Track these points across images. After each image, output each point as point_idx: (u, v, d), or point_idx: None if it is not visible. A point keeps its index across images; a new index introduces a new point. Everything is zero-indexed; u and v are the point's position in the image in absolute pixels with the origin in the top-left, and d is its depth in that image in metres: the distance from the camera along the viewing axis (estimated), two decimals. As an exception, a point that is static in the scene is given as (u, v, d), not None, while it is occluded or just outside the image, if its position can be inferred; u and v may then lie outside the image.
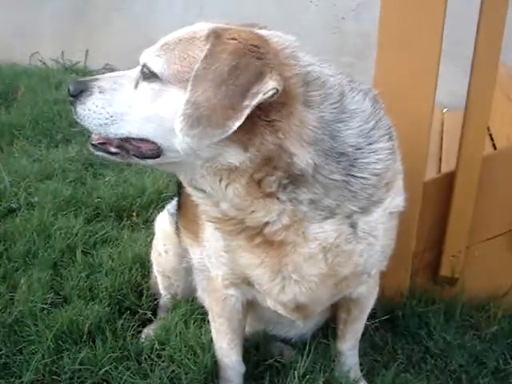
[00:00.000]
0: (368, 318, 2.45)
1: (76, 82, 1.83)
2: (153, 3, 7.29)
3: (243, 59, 1.57)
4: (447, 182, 2.84)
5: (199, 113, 1.57)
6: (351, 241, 1.87)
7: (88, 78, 1.84)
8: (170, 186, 3.86)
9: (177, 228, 2.63)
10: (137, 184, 3.89)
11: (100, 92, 1.77)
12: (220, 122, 1.55)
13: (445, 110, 5.43)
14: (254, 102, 1.55)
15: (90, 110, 1.76)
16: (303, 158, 1.69)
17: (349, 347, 2.41)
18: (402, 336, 2.72)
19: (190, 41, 1.70)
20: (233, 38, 1.61)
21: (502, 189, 2.87)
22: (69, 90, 1.82)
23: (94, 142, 1.83)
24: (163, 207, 2.95)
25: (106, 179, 3.99)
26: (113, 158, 1.83)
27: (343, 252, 1.88)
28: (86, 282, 2.84)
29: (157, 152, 1.74)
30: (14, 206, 3.62)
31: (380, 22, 2.58)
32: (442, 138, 4.63)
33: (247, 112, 1.55)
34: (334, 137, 1.74)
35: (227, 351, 2.29)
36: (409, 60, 2.56)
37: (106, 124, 1.75)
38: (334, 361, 2.40)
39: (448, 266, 2.88)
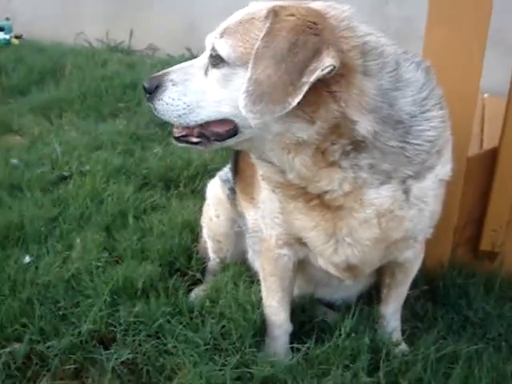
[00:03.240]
0: (409, 288, 2.52)
1: (149, 79, 1.92)
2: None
3: (301, 36, 1.64)
4: (490, 158, 2.89)
5: (261, 89, 1.65)
6: (403, 207, 1.96)
7: (159, 73, 1.93)
8: (215, 159, 3.96)
9: (229, 194, 2.73)
10: (183, 156, 3.99)
11: (173, 85, 1.87)
12: (280, 98, 1.64)
13: (486, 95, 5.44)
14: (312, 78, 1.63)
15: (167, 103, 1.86)
16: (364, 124, 1.78)
17: (391, 311, 2.49)
18: (442, 306, 2.79)
19: (250, 22, 1.78)
20: (291, 15, 1.69)
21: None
22: (144, 87, 1.92)
23: (176, 135, 1.94)
24: (210, 178, 3.05)
25: (154, 151, 4.10)
26: (196, 147, 1.94)
27: (396, 217, 1.97)
28: (137, 244, 2.95)
29: (234, 131, 1.84)
30: (66, 173, 3.75)
31: (429, 3, 2.63)
32: (483, 121, 4.64)
33: (306, 88, 1.63)
34: (392, 104, 1.83)
35: (276, 309, 2.38)
36: (457, 37, 2.60)
37: (184, 114, 1.85)
38: (377, 323, 2.48)
39: (489, 240, 2.93)
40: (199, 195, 3.40)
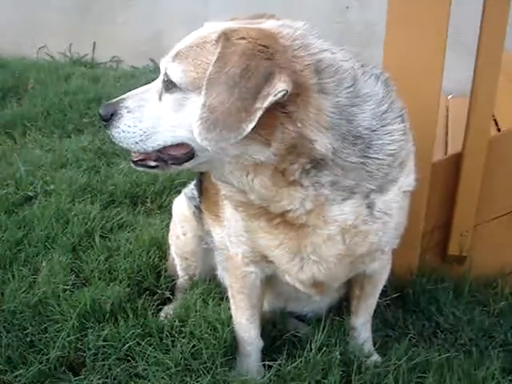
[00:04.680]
0: (379, 296, 2.53)
1: (104, 106, 1.92)
2: (159, -6, 7.36)
3: (252, 61, 1.63)
4: (454, 163, 2.91)
5: (215, 116, 1.64)
6: (368, 221, 1.96)
7: (115, 100, 1.92)
8: (181, 174, 3.94)
9: (195, 211, 2.72)
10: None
11: (128, 112, 1.87)
12: (234, 124, 1.62)
13: (450, 97, 5.49)
14: (265, 104, 1.61)
15: (123, 131, 1.86)
16: (323, 143, 1.77)
17: (362, 322, 2.49)
18: (412, 312, 2.80)
19: (201, 46, 1.77)
20: (242, 38, 1.67)
21: (508, 169, 2.94)
22: (100, 115, 1.91)
23: (134, 159, 1.94)
24: (177, 193, 3.03)
25: (120, 167, 4.06)
26: (154, 170, 1.95)
27: (360, 232, 1.97)
28: (105, 264, 2.92)
29: (191, 154, 1.83)
30: (30, 194, 3.69)
31: (388, 5, 2.64)
32: (447, 123, 4.68)
33: (259, 114, 1.61)
34: (350, 121, 1.82)
35: (246, 326, 2.37)
36: (417, 41, 2.62)
37: (141, 140, 1.84)
38: (348, 335, 2.48)
39: (456, 244, 2.95)
40: (166, 211, 3.38)
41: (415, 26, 2.62)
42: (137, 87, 1.98)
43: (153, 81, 1.95)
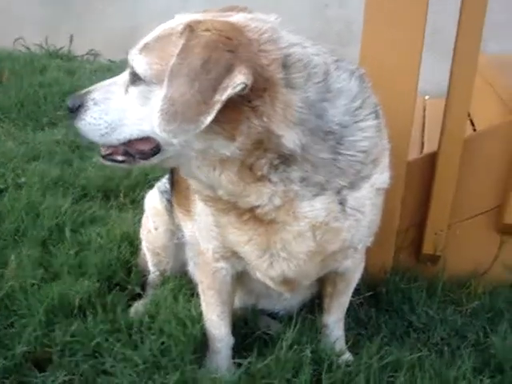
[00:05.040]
0: (352, 295, 2.50)
1: (71, 98, 1.88)
2: (138, -12, 7.29)
3: (215, 52, 1.60)
4: (430, 163, 2.91)
5: (174, 108, 1.60)
6: (339, 218, 1.93)
7: (82, 92, 1.88)
8: (155, 168, 3.88)
9: (167, 205, 2.68)
10: (123, 165, 3.89)
11: (94, 104, 1.83)
12: (193, 117, 1.59)
13: (427, 97, 5.50)
14: (224, 96, 1.58)
15: (89, 123, 1.82)
16: (290, 138, 1.73)
17: (334, 320, 2.47)
18: (385, 311, 2.79)
19: (167, 38, 1.73)
20: (206, 30, 1.64)
21: (483, 169, 2.94)
22: (67, 106, 1.87)
23: (102, 154, 1.90)
24: (150, 187, 2.99)
25: (93, 161, 4.00)
26: (121, 165, 1.90)
27: (332, 229, 1.94)
28: (75, 258, 2.87)
29: (157, 149, 1.79)
30: (1, 186, 3.63)
31: (366, 5, 2.62)
32: (424, 123, 4.69)
33: (218, 107, 1.58)
34: (320, 116, 1.78)
35: (217, 323, 2.34)
36: (394, 40, 2.61)
37: (107, 133, 1.81)
38: (319, 333, 2.46)
39: (431, 243, 2.95)
40: (139, 206, 3.32)
41: (392, 23, 2.60)
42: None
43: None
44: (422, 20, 2.59)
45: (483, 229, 3.01)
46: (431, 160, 2.90)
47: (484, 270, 3.01)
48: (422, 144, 4.07)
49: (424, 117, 4.85)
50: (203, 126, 1.60)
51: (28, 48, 7.50)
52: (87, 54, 7.45)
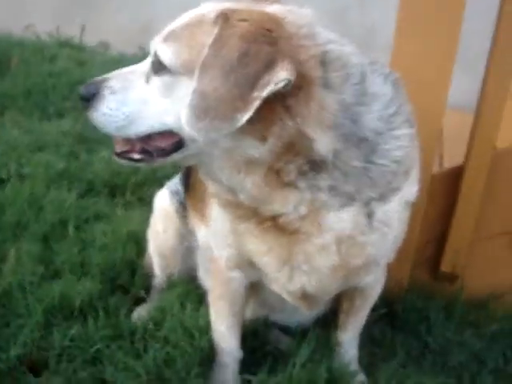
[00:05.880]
0: (367, 311, 2.39)
1: (86, 85, 1.74)
2: (152, -19, 7.16)
3: (254, 45, 1.47)
4: (454, 177, 2.79)
5: (206, 104, 1.48)
6: (366, 232, 1.81)
7: (98, 79, 1.74)
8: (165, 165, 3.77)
9: (179, 207, 2.56)
10: (131, 161, 3.77)
11: (111, 93, 1.69)
12: (228, 114, 1.47)
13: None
14: (264, 93, 1.46)
15: (104, 114, 1.68)
16: (323, 143, 1.61)
17: (349, 338, 2.35)
18: (401, 330, 2.67)
19: (197, 26, 1.61)
20: (243, 20, 1.52)
21: (508, 188, 2.82)
22: (80, 94, 1.73)
23: (117, 151, 1.77)
24: (159, 185, 2.87)
25: (100, 154, 3.86)
26: (138, 164, 1.77)
27: (357, 243, 1.82)
28: (77, 257, 2.74)
29: (179, 144, 1.67)
30: (3, 176, 3.49)
31: (399, 10, 2.51)
32: (442, 136, 4.58)
33: (257, 104, 1.46)
34: (355, 121, 1.66)
35: (225, 335, 2.22)
36: (426, 52, 2.51)
37: (124, 126, 1.67)
38: (333, 351, 2.33)
39: (449, 261, 2.83)
40: (147, 204, 3.20)
41: (425, 35, 2.49)
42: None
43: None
44: (456, 31, 2.48)
45: (504, 249, 2.90)
46: (456, 174, 2.78)
47: (503, 291, 2.88)
48: (441, 156, 3.96)
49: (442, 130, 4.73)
50: (239, 124, 1.47)
51: (38, 36, 7.38)
52: (98, 45, 7.31)
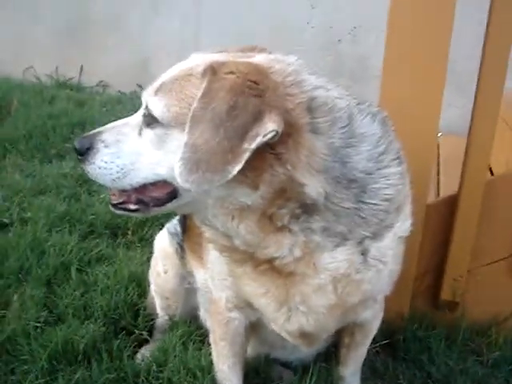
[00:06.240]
0: (368, 342, 2.40)
1: (80, 140, 1.79)
2: (149, 20, 7.26)
3: (241, 97, 1.51)
4: (449, 205, 2.81)
5: (197, 157, 1.51)
6: (361, 270, 1.83)
7: (91, 133, 1.79)
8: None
9: (178, 248, 2.59)
10: (132, 202, 3.80)
11: (105, 146, 1.74)
12: (219, 166, 1.50)
13: (439, 134, 5.43)
14: (253, 145, 1.49)
15: (99, 167, 1.73)
16: (314, 187, 1.64)
17: (351, 372, 2.36)
18: (402, 361, 2.67)
19: (186, 79, 1.65)
20: (230, 72, 1.55)
21: (504, 214, 2.84)
22: (75, 148, 1.78)
23: (113, 202, 1.81)
24: (159, 225, 2.90)
25: (101, 196, 3.91)
26: (134, 214, 1.82)
27: (353, 281, 1.84)
28: (80, 300, 2.77)
29: (173, 194, 1.70)
30: (6, 221, 3.54)
31: (386, 44, 2.55)
32: (438, 161, 4.61)
33: (247, 156, 1.49)
34: (344, 163, 1.69)
35: (228, 375, 2.23)
36: (414, 82, 2.54)
37: (118, 178, 1.71)
38: (335, 386, 2.34)
39: (449, 289, 2.84)
40: (148, 244, 3.24)
41: (413, 61, 2.53)
42: (123, 113, 1.85)
43: (139, 107, 1.82)
44: (443, 58, 2.52)
45: (504, 275, 2.89)
46: (451, 203, 2.80)
47: (505, 317, 2.88)
48: (438, 183, 3.99)
49: (438, 155, 4.76)
50: (230, 176, 1.50)
51: (38, 78, 7.48)
52: (97, 85, 7.41)
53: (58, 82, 7.45)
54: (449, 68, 2.52)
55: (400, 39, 2.54)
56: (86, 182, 4.22)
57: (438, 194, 3.69)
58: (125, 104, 6.12)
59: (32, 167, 4.53)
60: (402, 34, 2.53)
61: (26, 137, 5.07)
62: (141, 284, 2.92)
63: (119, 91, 7.17)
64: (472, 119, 2.69)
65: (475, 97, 2.67)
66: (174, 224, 2.67)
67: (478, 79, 2.65)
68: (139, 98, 1.82)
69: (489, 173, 3.53)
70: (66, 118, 5.54)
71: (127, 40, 7.37)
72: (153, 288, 2.73)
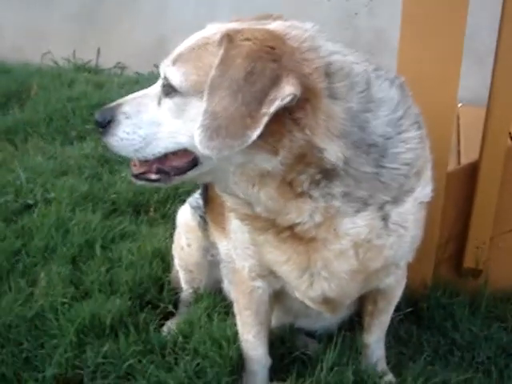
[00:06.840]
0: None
1: (101, 112, 1.81)
2: (164, 0, 7.25)
3: (258, 63, 1.52)
4: (470, 173, 2.81)
5: (217, 123, 1.53)
6: (382, 235, 1.84)
7: (112, 105, 1.81)
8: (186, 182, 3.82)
9: (201, 221, 2.61)
10: (153, 179, 3.83)
11: (126, 118, 1.76)
12: (239, 131, 1.51)
13: (460, 105, 5.38)
14: (272, 109, 1.51)
15: (122, 139, 1.75)
16: (333, 152, 1.65)
17: (375, 340, 2.37)
18: (427, 328, 2.69)
19: (203, 48, 1.67)
20: (246, 39, 1.57)
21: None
22: (96, 121, 1.79)
23: (134, 173, 1.83)
24: (181, 202, 2.92)
25: (123, 175, 3.94)
26: (156, 184, 1.83)
27: (374, 247, 1.85)
28: (105, 276, 2.81)
29: (194, 162, 1.72)
30: (30, 202, 3.58)
31: (402, 13, 2.53)
32: (458, 131, 4.57)
33: (266, 120, 1.51)
34: (363, 128, 1.70)
35: (253, 344, 2.26)
36: (432, 50, 2.52)
37: (141, 148, 1.74)
38: (360, 353, 2.36)
39: (472, 257, 2.84)
40: (170, 220, 3.27)
41: (431, 32, 2.51)
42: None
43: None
44: (461, 26, 2.50)
45: (526, 240, 2.89)
46: (472, 170, 2.80)
47: (528, 283, 2.88)
48: (459, 153, 3.96)
49: (458, 125, 4.72)
50: (250, 141, 1.52)
51: (56, 62, 7.51)
52: (114, 67, 7.42)
53: (75, 66, 7.47)
54: (470, 37, 2.50)
55: (416, 10, 2.52)
56: (107, 161, 4.27)
57: (459, 163, 3.66)
58: (142, 85, 5.99)
59: (53, 149, 4.57)
60: (418, 4, 2.52)
61: (47, 120, 5.11)
62: (164, 259, 2.95)
63: (137, 72, 7.17)
64: (491, 86, 2.67)
65: (494, 64, 2.65)
66: (195, 198, 2.69)
67: (497, 43, 2.62)
68: (157, 78, 1.84)
69: (509, 139, 3.51)
70: (85, 100, 5.56)
71: (143, 21, 7.37)
72: (177, 262, 2.77)
